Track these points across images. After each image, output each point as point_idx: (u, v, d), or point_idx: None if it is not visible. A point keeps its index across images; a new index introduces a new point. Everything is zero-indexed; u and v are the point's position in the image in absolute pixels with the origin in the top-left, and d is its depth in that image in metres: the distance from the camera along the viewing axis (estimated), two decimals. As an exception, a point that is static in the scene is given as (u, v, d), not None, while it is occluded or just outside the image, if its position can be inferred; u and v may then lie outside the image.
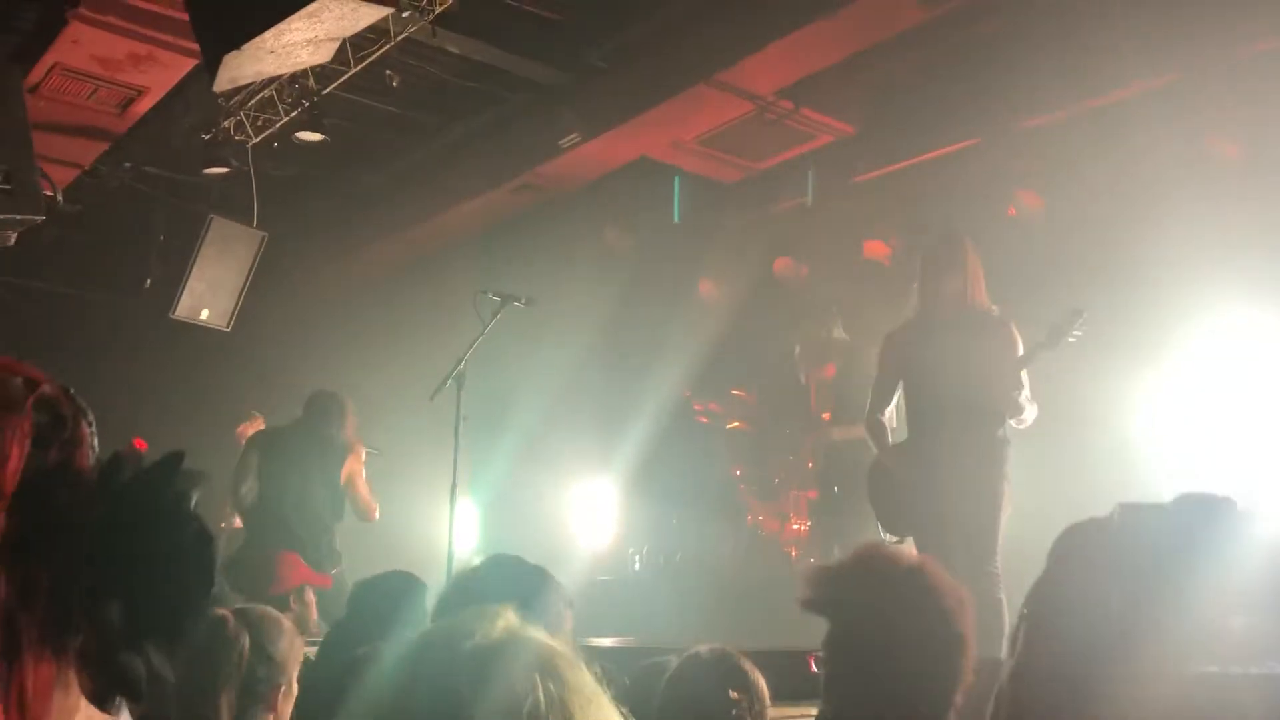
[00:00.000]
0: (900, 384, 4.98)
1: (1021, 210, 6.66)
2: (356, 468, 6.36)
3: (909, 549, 4.86)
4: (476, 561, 2.52)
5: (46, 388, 0.81)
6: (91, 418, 0.82)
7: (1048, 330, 4.55)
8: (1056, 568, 1.21)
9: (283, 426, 6.51)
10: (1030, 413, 4.66)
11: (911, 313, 5.01)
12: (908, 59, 6.51)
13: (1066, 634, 1.14)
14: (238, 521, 6.71)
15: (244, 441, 6.99)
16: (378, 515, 6.41)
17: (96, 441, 0.82)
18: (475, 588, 2.33)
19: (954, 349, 4.74)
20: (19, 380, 0.80)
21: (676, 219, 7.92)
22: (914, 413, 4.94)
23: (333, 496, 6.31)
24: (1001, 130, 6.60)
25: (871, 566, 2.04)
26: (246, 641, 2.45)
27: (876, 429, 5.01)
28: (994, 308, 4.86)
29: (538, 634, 1.05)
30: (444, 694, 0.98)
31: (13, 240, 6.19)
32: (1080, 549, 1.20)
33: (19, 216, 5.96)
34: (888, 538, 4.90)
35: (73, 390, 0.83)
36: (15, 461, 0.76)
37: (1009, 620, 4.40)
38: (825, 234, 7.76)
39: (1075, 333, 4.45)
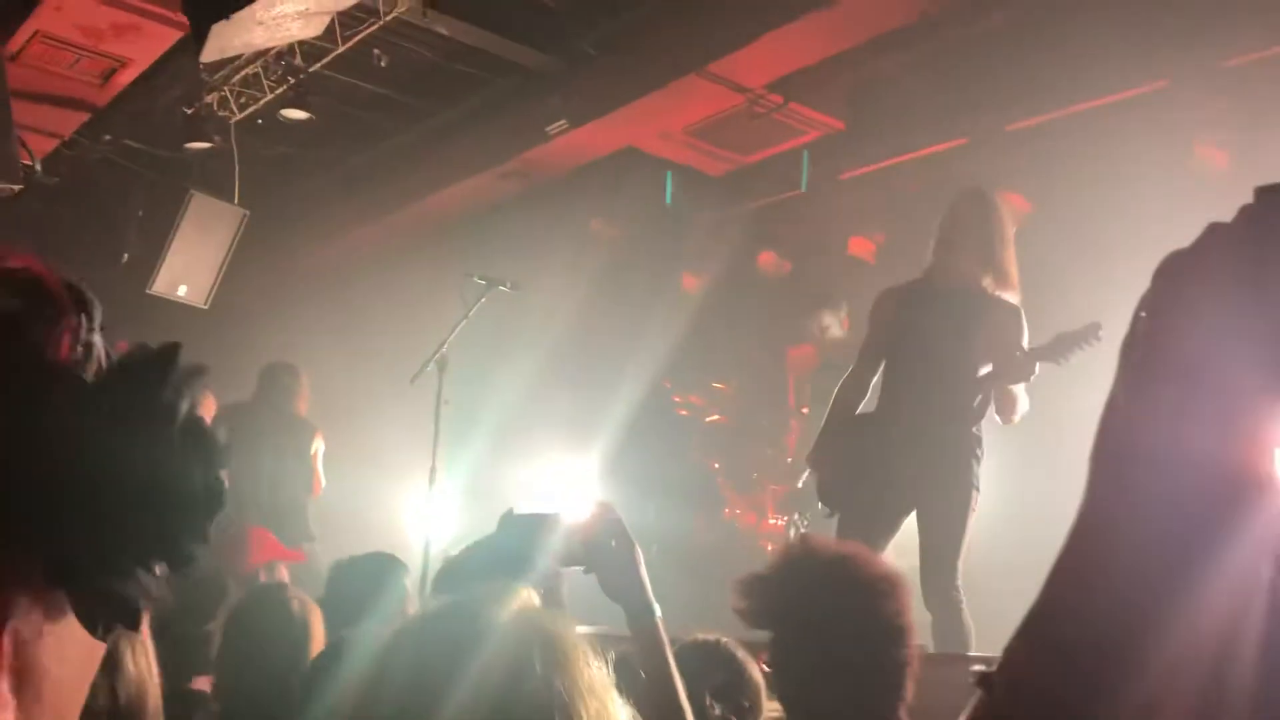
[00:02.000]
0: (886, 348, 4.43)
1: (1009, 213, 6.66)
2: (321, 445, 6.41)
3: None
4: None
5: (37, 266, 0.69)
6: (97, 315, 0.70)
7: (1055, 338, 4.02)
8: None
9: (245, 402, 6.47)
10: (1021, 411, 4.22)
11: (920, 271, 4.47)
12: (898, 57, 6.51)
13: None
14: None
15: None
16: (319, 493, 6.47)
17: (100, 343, 0.69)
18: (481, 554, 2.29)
19: (950, 323, 4.20)
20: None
21: (669, 201, 7.77)
22: (890, 383, 4.42)
23: (305, 471, 6.34)
24: (990, 131, 6.61)
25: (799, 567, 2.03)
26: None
27: (843, 391, 4.48)
28: (1012, 290, 4.30)
29: (554, 620, 1.03)
30: (459, 670, 0.95)
31: (-11, 209, 6.09)
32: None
33: (-4, 184, 5.87)
34: (822, 508, 4.46)
35: (85, 289, 0.72)
36: None
37: (968, 617, 4.20)
38: (810, 229, 7.75)
39: (1084, 348, 3.91)
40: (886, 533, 4.31)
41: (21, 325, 0.65)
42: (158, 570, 0.66)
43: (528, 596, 1.05)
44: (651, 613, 1.94)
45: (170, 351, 0.68)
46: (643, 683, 1.75)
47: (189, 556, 0.66)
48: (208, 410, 7.26)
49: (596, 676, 1.02)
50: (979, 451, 4.32)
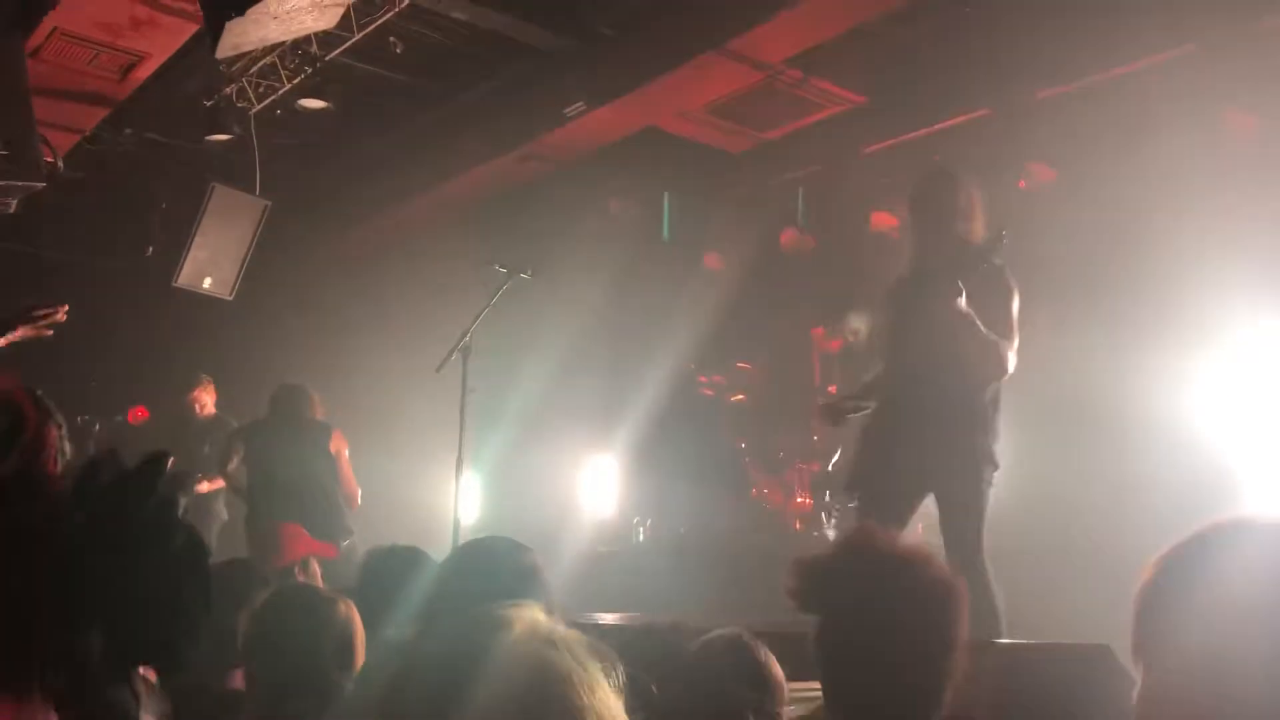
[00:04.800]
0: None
1: (1032, 182, 6.58)
2: (343, 446, 6.40)
3: (905, 532, 4.60)
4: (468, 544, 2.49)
5: (5, 387, 0.72)
6: (60, 420, 0.73)
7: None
8: None
9: (261, 420, 6.53)
10: (1010, 365, 4.23)
11: (904, 262, 4.59)
12: (920, 28, 6.42)
13: None
14: (203, 486, 6.83)
15: (197, 408, 7.18)
16: (358, 503, 6.41)
17: (67, 446, 0.73)
18: (461, 582, 2.28)
19: (936, 300, 4.20)
20: None
21: (666, 237, 7.84)
22: (891, 370, 4.52)
23: (332, 467, 6.33)
24: (1014, 101, 6.52)
25: (860, 559, 1.98)
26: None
27: (864, 387, 4.66)
28: (994, 256, 4.28)
29: (563, 640, 1.01)
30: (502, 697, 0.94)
31: (13, 207, 6.12)
32: None
33: (19, 183, 5.89)
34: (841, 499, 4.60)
35: (39, 392, 0.74)
36: None
37: (1000, 598, 4.18)
38: (833, 205, 7.68)
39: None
40: (903, 517, 4.30)
41: (23, 451, 0.69)
42: (150, 676, 0.67)
43: (533, 614, 1.03)
44: None
45: (159, 465, 0.70)
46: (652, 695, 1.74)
47: (183, 661, 0.67)
48: (208, 396, 7.33)
49: (608, 698, 1.01)
50: (992, 417, 4.26)
